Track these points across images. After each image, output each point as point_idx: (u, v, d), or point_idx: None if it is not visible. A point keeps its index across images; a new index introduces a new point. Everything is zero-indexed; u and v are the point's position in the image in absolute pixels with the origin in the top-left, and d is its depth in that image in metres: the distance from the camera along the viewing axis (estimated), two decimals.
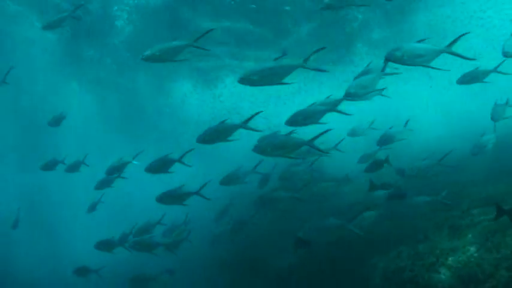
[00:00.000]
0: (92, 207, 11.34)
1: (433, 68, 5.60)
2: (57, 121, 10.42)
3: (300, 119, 6.40)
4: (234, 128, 6.33)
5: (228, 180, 8.93)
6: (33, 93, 16.92)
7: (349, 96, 6.45)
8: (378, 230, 8.30)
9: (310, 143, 6.00)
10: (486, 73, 7.81)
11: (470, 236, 6.32)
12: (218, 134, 6.36)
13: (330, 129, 6.09)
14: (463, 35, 5.55)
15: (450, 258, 5.94)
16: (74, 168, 10.47)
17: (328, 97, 7.16)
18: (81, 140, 19.69)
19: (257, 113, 6.20)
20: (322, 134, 5.96)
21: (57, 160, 10.46)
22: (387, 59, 5.51)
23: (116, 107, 19.70)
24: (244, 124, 6.24)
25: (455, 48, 5.57)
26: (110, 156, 9.70)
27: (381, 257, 6.89)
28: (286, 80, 5.65)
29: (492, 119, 8.08)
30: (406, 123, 9.37)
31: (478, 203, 7.31)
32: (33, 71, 15.15)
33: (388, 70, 7.02)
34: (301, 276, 8.91)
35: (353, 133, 10.60)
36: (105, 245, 9.39)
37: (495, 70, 7.67)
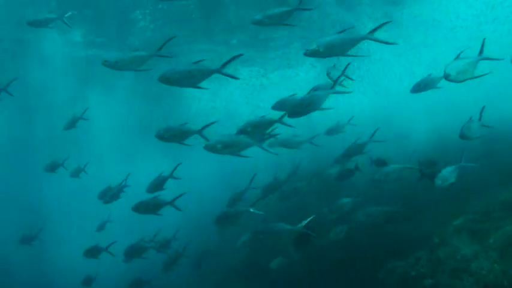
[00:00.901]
0: (101, 226, 11.44)
1: (352, 56, 5.68)
2: (71, 125, 10.58)
3: (249, 129, 6.69)
4: (190, 133, 6.68)
5: (233, 202, 9.21)
6: (55, 101, 16.93)
7: (293, 116, 6.69)
8: (392, 233, 8.14)
9: (259, 144, 6.37)
10: (438, 79, 7.57)
11: (492, 241, 6.11)
12: (176, 134, 6.68)
13: (278, 134, 6.82)
14: (387, 22, 5.64)
15: (473, 265, 5.74)
16: (74, 174, 10.90)
17: (292, 95, 7.42)
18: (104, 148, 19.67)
19: (213, 123, 6.72)
20: (271, 136, 6.63)
21: (58, 163, 10.60)
22: (305, 55, 5.53)
23: (138, 113, 19.58)
24: (200, 131, 6.64)
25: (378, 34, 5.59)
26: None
27: (398, 262, 6.67)
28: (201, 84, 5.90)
29: (461, 137, 7.09)
30: (373, 134, 8.99)
31: (498, 206, 7.09)
32: (55, 78, 15.13)
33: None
34: (311, 282, 8.74)
35: (330, 131, 10.40)
36: (92, 253, 9.57)
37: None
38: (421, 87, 7.97)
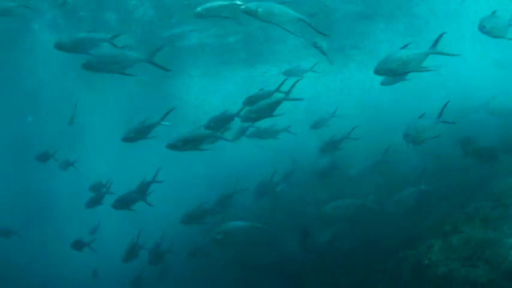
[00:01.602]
0: (93, 231, 11.53)
1: (287, 30, 5.80)
2: (71, 121, 11.06)
3: (212, 124, 6.87)
4: (152, 126, 6.81)
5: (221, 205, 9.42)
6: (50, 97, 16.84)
7: (246, 120, 6.99)
8: (403, 222, 7.97)
9: (218, 134, 6.62)
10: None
11: (506, 227, 5.94)
12: (139, 132, 6.82)
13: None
14: (314, 14, 5.80)
15: (487, 252, 5.56)
16: (63, 166, 11.20)
17: (262, 89, 7.49)
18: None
19: (171, 110, 6.72)
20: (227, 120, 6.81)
21: (49, 154, 10.92)
22: (241, 10, 5.58)
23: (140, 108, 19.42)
24: (159, 122, 6.76)
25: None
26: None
27: (410, 251, 6.49)
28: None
29: (406, 138, 6.19)
30: (351, 131, 8.98)
31: (510, 193, 6.88)
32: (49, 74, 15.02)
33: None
34: (320, 273, 8.57)
35: (316, 125, 10.29)
36: (78, 245, 9.92)
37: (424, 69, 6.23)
38: (390, 80, 7.91)
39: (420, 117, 6.31)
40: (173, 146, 6.31)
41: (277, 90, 7.07)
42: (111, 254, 10.01)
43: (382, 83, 8.24)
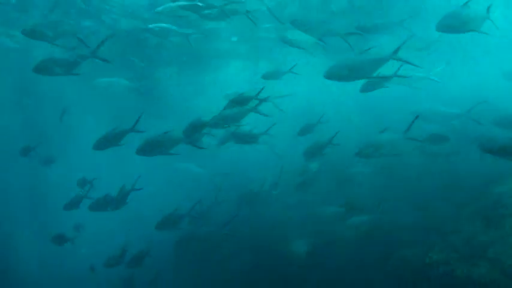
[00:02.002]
0: (76, 228, 11.51)
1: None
2: (62, 117, 11.24)
3: (190, 130, 6.89)
4: (124, 133, 6.71)
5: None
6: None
7: (214, 126, 7.08)
8: (403, 220, 7.90)
9: (186, 140, 6.61)
10: (387, 79, 7.06)
11: (508, 227, 5.90)
12: (110, 140, 6.76)
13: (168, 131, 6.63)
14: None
15: (490, 250, 5.51)
16: (46, 162, 11.54)
17: (242, 93, 7.34)
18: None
19: (140, 116, 6.59)
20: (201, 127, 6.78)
21: (30, 147, 10.93)
22: None
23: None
24: (132, 128, 6.64)
25: None
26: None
27: (410, 250, 6.45)
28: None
29: (360, 155, 5.98)
30: (333, 136, 8.53)
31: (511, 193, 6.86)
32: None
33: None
34: (319, 274, 8.49)
35: (303, 132, 10.20)
36: (59, 240, 9.80)
37: (395, 75, 6.31)
38: (369, 87, 7.87)
39: (381, 132, 6.14)
40: (141, 150, 6.36)
41: (256, 96, 6.95)
42: (107, 250, 9.85)
43: (361, 90, 8.02)
